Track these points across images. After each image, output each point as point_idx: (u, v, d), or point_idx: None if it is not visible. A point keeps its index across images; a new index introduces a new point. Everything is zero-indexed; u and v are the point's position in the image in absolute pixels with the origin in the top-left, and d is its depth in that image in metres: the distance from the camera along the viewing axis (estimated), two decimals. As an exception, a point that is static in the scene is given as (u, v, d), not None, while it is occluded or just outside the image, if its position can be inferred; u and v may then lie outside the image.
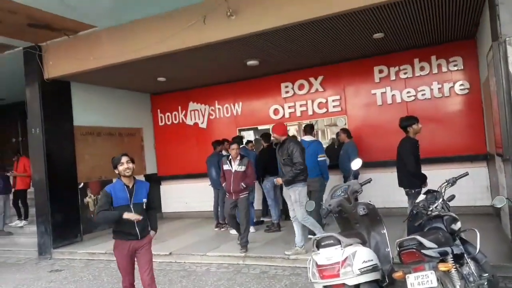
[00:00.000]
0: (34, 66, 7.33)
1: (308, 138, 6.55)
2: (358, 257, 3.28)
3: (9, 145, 11.76)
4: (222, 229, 7.76)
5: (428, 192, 4.01)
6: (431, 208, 3.67)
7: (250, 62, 7.57)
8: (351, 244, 3.42)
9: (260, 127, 9.26)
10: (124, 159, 3.76)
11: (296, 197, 5.50)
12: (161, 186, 10.06)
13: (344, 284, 3.20)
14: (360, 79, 8.04)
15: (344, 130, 7.46)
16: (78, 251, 7.15)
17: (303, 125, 7.29)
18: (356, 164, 4.51)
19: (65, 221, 7.57)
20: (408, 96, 7.60)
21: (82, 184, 8.09)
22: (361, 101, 8.08)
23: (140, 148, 9.76)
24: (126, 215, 3.66)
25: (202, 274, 5.55)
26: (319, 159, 6.36)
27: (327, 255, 3.30)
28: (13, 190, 8.75)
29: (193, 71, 8.13)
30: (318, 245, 3.43)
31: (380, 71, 7.82)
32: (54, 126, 7.60)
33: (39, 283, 5.75)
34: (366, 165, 7.42)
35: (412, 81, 7.59)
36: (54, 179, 7.45)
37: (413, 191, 4.86)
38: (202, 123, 9.58)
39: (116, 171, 3.79)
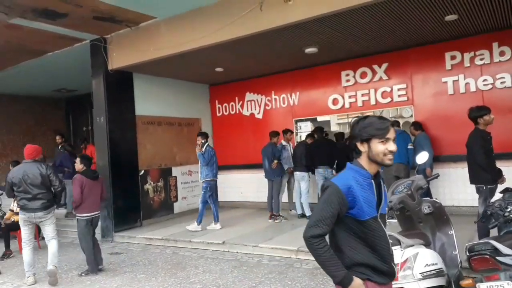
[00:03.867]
0: (100, 57, 7.66)
1: (396, 128, 6.89)
2: (420, 260, 2.97)
3: (82, 133, 12.58)
4: (276, 221, 7.62)
5: (506, 190, 3.53)
6: (509, 209, 3.22)
7: (309, 50, 7.28)
8: (412, 245, 3.10)
9: (318, 118, 8.98)
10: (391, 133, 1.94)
11: None
12: (218, 176, 10.15)
13: (403, 288, 2.90)
14: (429, 66, 7.41)
15: (412, 123, 7.25)
16: (137, 236, 7.41)
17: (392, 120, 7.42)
18: (421, 157, 4.10)
19: (126, 206, 7.90)
20: (484, 85, 6.86)
21: (142, 171, 8.37)
22: (430, 90, 7.45)
23: (199, 138, 9.89)
24: None
25: (254, 266, 5.45)
26: (408, 147, 6.88)
27: (385, 256, 3.01)
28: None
29: (250, 61, 8.02)
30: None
31: (452, 57, 7.13)
32: (117, 115, 7.92)
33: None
34: (435, 160, 6.96)
35: (489, 67, 6.83)
36: (117, 166, 7.79)
37: (484, 188, 4.35)
38: (258, 113, 9.47)
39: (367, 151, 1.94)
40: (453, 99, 7.14)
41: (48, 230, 5.41)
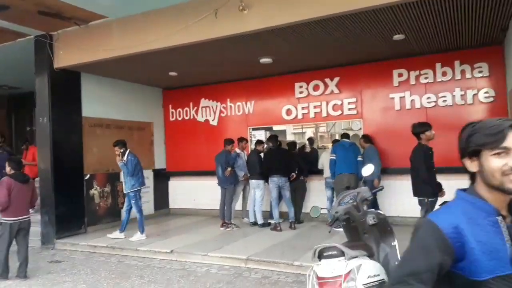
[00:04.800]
0: (45, 55, 7.25)
1: (347, 141, 7.38)
2: (363, 271, 3.02)
3: (25, 133, 11.82)
4: (228, 229, 7.56)
5: (444, 203, 3.71)
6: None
7: (263, 60, 7.35)
8: (356, 257, 3.16)
9: (274, 127, 9.08)
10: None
11: None
12: (169, 182, 9.95)
13: (346, 300, 2.94)
14: (378, 82, 7.74)
15: (362, 136, 7.55)
16: (80, 243, 7.05)
17: (342, 132, 8.13)
18: (367, 170, 4.24)
19: (69, 212, 7.49)
20: (428, 102, 7.26)
21: (88, 175, 8.00)
22: (378, 105, 7.77)
23: (150, 142, 9.64)
24: None
25: (202, 275, 5.35)
26: (358, 159, 7.07)
27: (329, 267, 3.05)
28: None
29: (205, 67, 7.95)
30: (320, 255, 3.18)
31: (400, 75, 7.50)
32: (62, 116, 7.52)
33: (37, 273, 5.63)
34: (383, 172, 7.24)
35: (433, 86, 7.24)
36: (60, 169, 7.38)
37: (426, 200, 4.58)
38: (213, 120, 9.39)
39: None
40: (399, 114, 7.48)
41: None
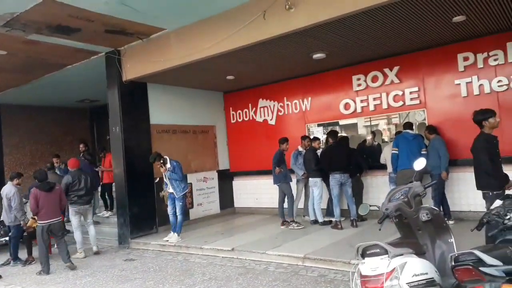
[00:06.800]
0: (114, 69, 7.92)
1: (411, 132, 7.07)
2: (408, 269, 2.90)
3: (105, 142, 12.99)
4: (289, 228, 7.60)
5: (507, 197, 3.41)
6: (508, 217, 3.10)
7: (316, 55, 7.27)
8: (401, 255, 3.04)
9: (340, 122, 8.93)
10: None
11: None
12: (233, 182, 10.27)
13: (389, 298, 2.85)
14: (442, 68, 7.23)
15: (427, 127, 7.15)
16: (152, 242, 7.58)
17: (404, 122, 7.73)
18: (419, 164, 4.01)
19: (142, 213, 8.10)
20: (499, 86, 6.63)
21: (158, 179, 8.54)
22: (443, 93, 7.27)
23: (213, 145, 10.05)
24: None
25: (260, 273, 5.48)
26: (422, 152, 6.74)
27: (372, 265, 2.97)
28: (101, 183, 9.61)
29: (260, 68, 8.08)
30: (364, 253, 3.11)
31: (465, 59, 6.94)
32: (132, 124, 8.15)
33: (112, 271, 6.21)
34: (452, 164, 6.80)
35: (504, 68, 6.59)
36: (132, 174, 8.00)
37: (490, 194, 4.21)
38: (271, 119, 9.50)
39: None
40: (467, 101, 6.93)
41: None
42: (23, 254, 7.20)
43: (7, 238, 7.52)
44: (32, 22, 6.12)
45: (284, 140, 7.82)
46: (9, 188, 7.16)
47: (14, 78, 9.17)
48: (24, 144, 12.29)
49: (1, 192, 7.28)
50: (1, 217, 7.08)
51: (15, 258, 7.07)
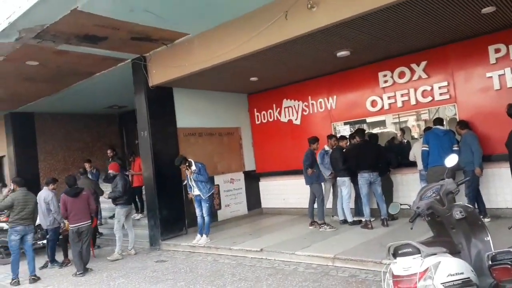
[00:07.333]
0: (141, 75, 8.10)
1: (441, 128, 6.84)
2: (442, 269, 2.82)
3: (134, 146, 13.30)
4: (320, 229, 7.51)
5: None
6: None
7: (341, 53, 7.19)
8: (434, 254, 2.96)
9: (368, 119, 8.79)
10: None
11: None
12: (259, 183, 10.29)
13: (422, 299, 2.78)
14: (472, 61, 7.00)
15: (458, 122, 6.92)
16: (182, 244, 7.70)
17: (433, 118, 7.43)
18: (451, 160, 3.90)
19: (171, 215, 8.24)
20: (534, 77, 6.37)
21: (186, 181, 8.67)
22: (474, 86, 7.04)
23: (239, 146, 10.11)
24: None
25: (289, 274, 5.46)
26: (454, 148, 6.50)
27: (405, 265, 2.91)
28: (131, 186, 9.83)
29: (283, 68, 8.07)
30: (395, 253, 3.05)
31: (497, 50, 6.68)
32: (160, 128, 8.31)
33: (144, 272, 6.35)
34: (486, 159, 6.59)
35: (539, 58, 6.33)
36: (161, 177, 8.15)
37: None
38: (296, 119, 9.47)
39: None
40: (499, 94, 6.68)
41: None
42: (59, 256, 7.46)
43: (44, 241, 7.82)
44: (61, 33, 6.34)
45: (315, 139, 7.70)
46: (46, 193, 7.44)
47: (45, 87, 9.53)
48: (57, 150, 12.75)
49: (37, 197, 7.57)
50: (39, 221, 7.35)
51: (52, 260, 7.35)
